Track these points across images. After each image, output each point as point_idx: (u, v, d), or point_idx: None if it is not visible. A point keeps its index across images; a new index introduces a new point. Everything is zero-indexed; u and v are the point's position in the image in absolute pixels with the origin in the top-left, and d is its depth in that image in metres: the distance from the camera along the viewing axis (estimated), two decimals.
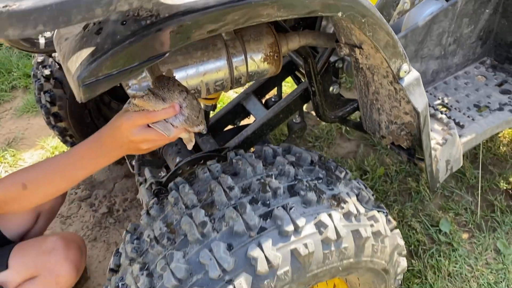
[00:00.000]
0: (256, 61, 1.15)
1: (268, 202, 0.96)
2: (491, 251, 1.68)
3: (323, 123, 2.24)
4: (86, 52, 0.69)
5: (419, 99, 1.04)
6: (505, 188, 1.86)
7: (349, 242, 0.97)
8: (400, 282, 1.25)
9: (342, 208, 0.99)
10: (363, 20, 0.84)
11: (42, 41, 0.96)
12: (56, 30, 0.80)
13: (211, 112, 1.58)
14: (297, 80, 1.85)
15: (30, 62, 2.78)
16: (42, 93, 1.65)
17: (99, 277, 1.67)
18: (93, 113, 1.80)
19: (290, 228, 0.91)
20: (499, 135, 2.05)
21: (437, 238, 1.72)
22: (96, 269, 1.71)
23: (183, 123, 0.87)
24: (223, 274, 0.88)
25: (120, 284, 1.00)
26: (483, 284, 1.58)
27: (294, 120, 1.62)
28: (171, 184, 1.08)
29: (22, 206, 0.98)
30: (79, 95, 0.68)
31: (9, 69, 2.77)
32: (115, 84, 0.70)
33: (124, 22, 0.69)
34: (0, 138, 2.34)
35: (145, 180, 1.43)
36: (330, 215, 0.96)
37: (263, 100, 1.68)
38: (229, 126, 1.69)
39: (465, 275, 1.62)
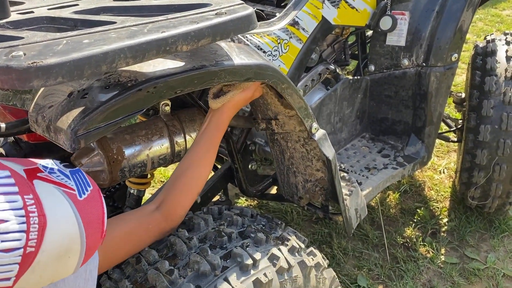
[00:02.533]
0: (193, 136, 1.34)
1: (225, 246, 1.08)
2: None
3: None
4: (76, 111, 0.82)
5: (329, 150, 1.30)
6: (402, 241, 2.17)
7: (298, 272, 1.12)
8: None
9: (287, 245, 1.15)
10: (283, 86, 1.11)
11: (3, 125, 1.04)
12: (34, 102, 0.92)
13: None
14: (214, 168, 2.05)
15: None
16: None
17: None
18: None
19: (249, 262, 1.04)
20: (387, 200, 2.43)
21: None
22: None
23: None
24: None
25: None
26: None
27: (219, 199, 1.78)
28: None
29: (189, 203, 1.10)
30: (72, 146, 0.80)
31: None
32: (103, 135, 0.84)
33: (108, 87, 0.86)
34: None
35: None
36: (279, 249, 1.11)
37: None
38: None
39: None
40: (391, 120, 1.95)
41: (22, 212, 0.65)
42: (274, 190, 1.90)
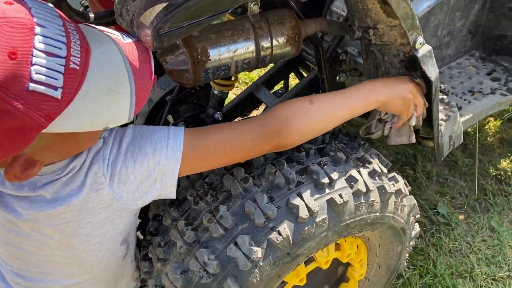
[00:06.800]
0: (280, 42, 1.24)
1: (302, 161, 1.05)
2: (486, 229, 1.80)
3: None
4: (159, 7, 0.77)
5: (432, 70, 1.15)
6: (494, 173, 2.00)
7: (376, 196, 1.06)
8: (411, 249, 1.35)
9: (367, 167, 1.09)
10: None
11: (92, 15, 1.03)
12: None
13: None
14: (300, 76, 1.96)
15: None
16: None
17: None
18: None
19: (325, 180, 1.00)
20: (486, 127, 2.21)
21: (436, 220, 1.83)
22: None
23: None
24: (267, 222, 0.95)
25: (162, 243, 1.05)
26: (481, 258, 1.70)
27: None
28: None
29: (307, 123, 0.97)
30: (154, 44, 0.77)
31: None
32: (185, 36, 0.79)
33: None
34: None
35: None
36: (359, 171, 1.05)
37: (272, 92, 1.78)
38: (239, 118, 1.78)
39: (464, 251, 1.73)
40: (510, 39, 1.68)
41: (62, 28, 0.67)
42: None
